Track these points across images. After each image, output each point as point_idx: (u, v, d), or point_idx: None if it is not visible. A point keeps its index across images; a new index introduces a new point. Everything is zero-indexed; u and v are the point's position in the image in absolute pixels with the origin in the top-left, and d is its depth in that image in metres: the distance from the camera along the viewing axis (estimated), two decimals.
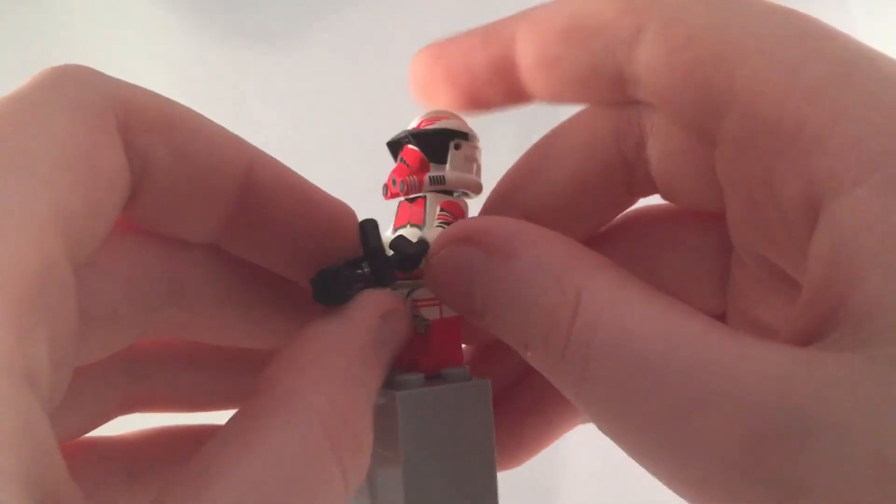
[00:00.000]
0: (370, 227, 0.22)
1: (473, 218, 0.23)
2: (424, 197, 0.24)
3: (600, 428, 0.19)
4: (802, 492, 0.15)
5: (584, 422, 0.28)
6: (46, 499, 0.13)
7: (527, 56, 0.23)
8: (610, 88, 0.22)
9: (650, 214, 0.26)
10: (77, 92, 0.18)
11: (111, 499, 0.24)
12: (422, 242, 0.23)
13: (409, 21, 0.53)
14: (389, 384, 0.22)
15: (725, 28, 0.20)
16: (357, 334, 0.20)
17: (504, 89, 0.24)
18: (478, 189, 0.25)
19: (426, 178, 0.24)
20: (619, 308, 0.19)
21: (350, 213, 0.23)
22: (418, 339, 0.23)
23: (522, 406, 0.27)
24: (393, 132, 0.25)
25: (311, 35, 0.53)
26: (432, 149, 0.24)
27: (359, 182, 0.53)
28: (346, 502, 0.18)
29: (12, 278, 0.14)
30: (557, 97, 0.24)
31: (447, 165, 0.24)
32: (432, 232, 0.23)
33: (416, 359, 0.23)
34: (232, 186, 0.21)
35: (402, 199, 0.25)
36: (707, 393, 0.17)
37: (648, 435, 0.18)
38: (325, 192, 0.22)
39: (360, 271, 0.22)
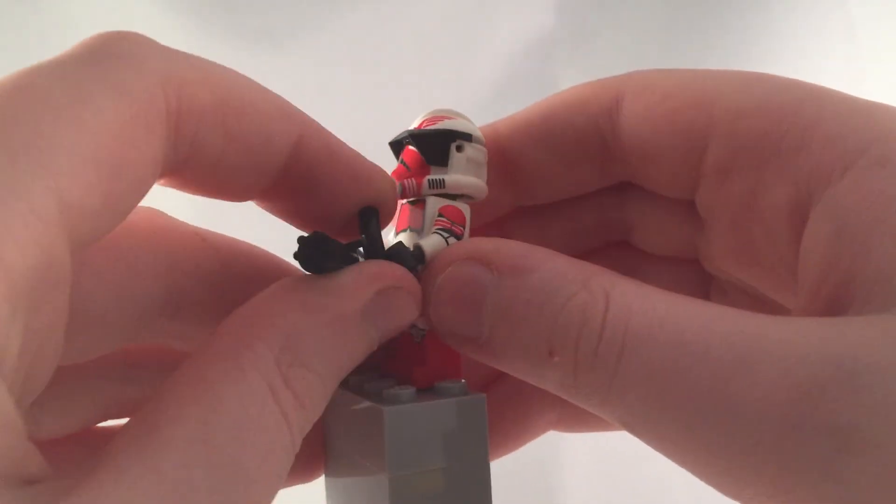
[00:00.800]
0: (370, 214, 0.22)
1: (475, 239, 0.23)
2: (424, 201, 0.23)
3: (631, 427, 0.19)
4: (857, 433, 0.16)
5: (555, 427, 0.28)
6: (7, 465, 0.14)
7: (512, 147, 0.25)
8: (595, 159, 0.25)
9: (629, 256, 0.27)
10: (127, 73, 0.17)
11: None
12: (417, 250, 0.22)
13: (410, 21, 0.53)
14: (379, 397, 0.21)
15: (696, 83, 0.23)
16: (338, 301, 0.20)
17: (508, 185, 0.26)
18: (482, 193, 0.24)
19: (424, 181, 0.23)
20: (650, 300, 0.19)
21: (389, 180, 0.23)
22: (414, 349, 0.23)
23: (498, 406, 0.26)
24: (393, 132, 0.25)
25: (311, 35, 0.53)
26: (433, 150, 0.23)
27: None
28: (292, 458, 0.18)
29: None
30: (545, 175, 0.25)
31: (448, 168, 0.23)
32: (429, 238, 0.22)
33: (410, 370, 0.22)
34: (278, 159, 0.21)
35: (403, 201, 0.24)
36: (749, 355, 0.17)
37: (690, 413, 0.17)
38: (369, 163, 0.22)
39: (351, 253, 0.21)
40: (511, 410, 0.27)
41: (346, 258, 0.20)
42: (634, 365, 0.18)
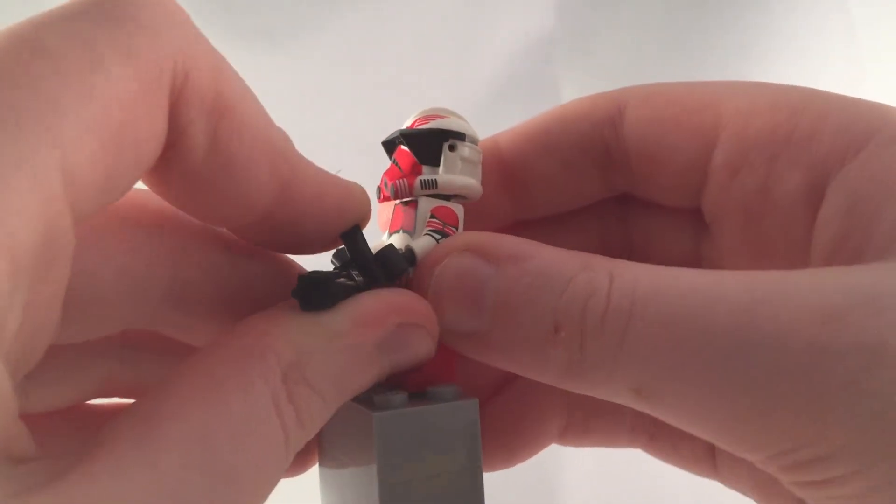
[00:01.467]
0: (353, 235, 0.21)
1: (468, 233, 0.23)
2: (416, 201, 0.23)
3: (643, 393, 0.19)
4: (884, 348, 0.16)
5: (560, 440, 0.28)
6: None
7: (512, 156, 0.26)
8: (597, 169, 0.25)
9: None
10: (141, 41, 0.16)
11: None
12: (408, 252, 0.22)
13: (409, 21, 0.53)
14: (370, 402, 0.21)
15: (700, 88, 0.24)
16: (357, 330, 0.19)
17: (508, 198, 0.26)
18: (476, 193, 0.24)
19: (416, 181, 0.23)
20: (656, 269, 0.19)
21: (365, 198, 0.22)
22: None
23: (502, 417, 0.26)
24: (392, 131, 0.25)
25: (310, 35, 0.53)
26: (425, 150, 0.23)
27: (359, 181, 0.53)
28: (282, 472, 0.18)
29: (3, 241, 0.13)
30: (546, 186, 0.26)
31: (440, 168, 0.23)
32: (420, 240, 0.22)
33: (403, 375, 0.22)
34: (258, 198, 0.19)
35: (396, 202, 0.24)
36: (767, 294, 0.17)
37: (709, 357, 0.17)
38: (344, 186, 0.22)
39: (350, 282, 0.20)
40: (513, 422, 0.27)
41: (348, 289, 0.20)
42: (646, 320, 0.18)
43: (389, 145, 0.24)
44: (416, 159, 0.23)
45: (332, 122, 0.53)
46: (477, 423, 0.21)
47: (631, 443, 0.28)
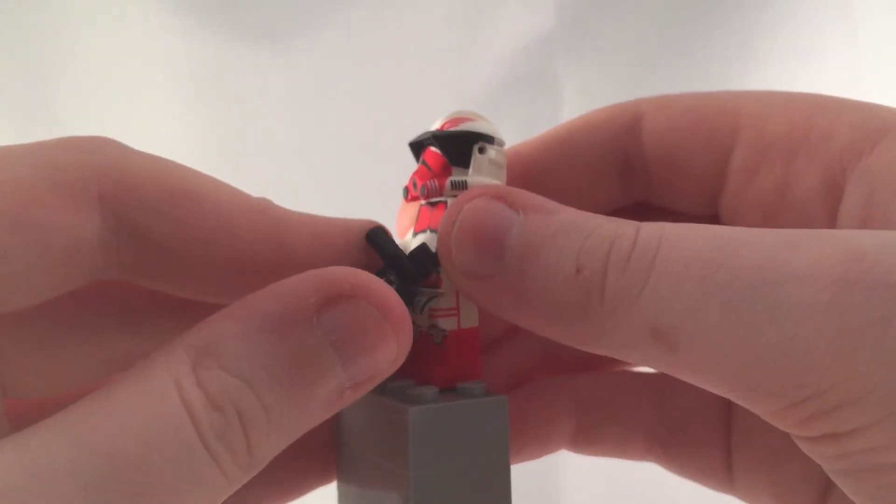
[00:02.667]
0: (379, 235, 0.21)
1: (496, 185, 0.22)
2: (446, 202, 0.23)
3: (663, 334, 0.18)
4: None
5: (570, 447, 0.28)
6: None
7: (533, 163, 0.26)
8: (616, 177, 0.26)
9: None
10: (57, 150, 0.18)
11: None
12: (416, 251, 0.22)
13: (410, 21, 0.53)
14: (401, 397, 0.21)
15: (715, 97, 0.24)
16: (273, 304, 0.17)
17: None
18: None
19: (447, 182, 0.23)
20: (682, 224, 0.19)
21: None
22: (434, 350, 0.23)
23: (511, 415, 0.26)
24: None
25: (311, 35, 0.53)
26: (455, 152, 0.23)
27: (359, 181, 0.53)
28: (199, 454, 0.16)
29: None
30: (565, 195, 0.24)
31: (470, 170, 0.23)
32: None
33: (431, 371, 0.22)
34: (254, 260, 0.20)
35: (423, 202, 0.24)
36: (795, 238, 0.17)
37: (736, 292, 0.17)
38: (335, 226, 0.21)
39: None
40: (525, 421, 0.26)
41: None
42: (671, 259, 0.18)
43: (417, 147, 0.25)
44: (446, 160, 0.24)
45: (332, 122, 0.53)
46: (506, 419, 0.21)
47: (645, 453, 0.27)
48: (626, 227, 0.19)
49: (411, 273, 0.21)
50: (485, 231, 0.20)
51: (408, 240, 0.24)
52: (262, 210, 0.20)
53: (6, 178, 0.17)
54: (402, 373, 0.23)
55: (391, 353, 0.19)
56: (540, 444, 0.27)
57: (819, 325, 0.16)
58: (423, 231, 0.23)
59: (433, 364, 0.22)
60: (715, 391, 0.18)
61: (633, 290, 0.18)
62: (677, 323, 0.17)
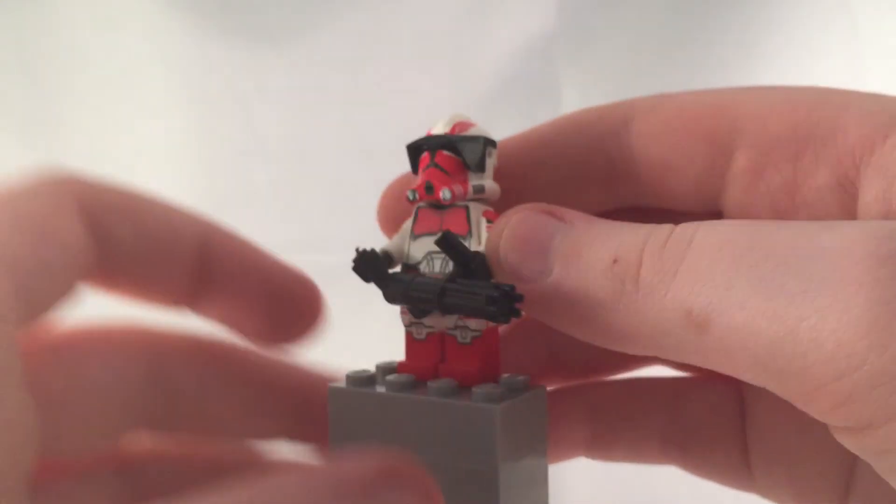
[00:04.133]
0: (451, 240, 0.22)
1: (540, 203, 0.23)
2: (466, 206, 0.24)
3: (697, 314, 0.18)
4: None
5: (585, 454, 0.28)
6: None
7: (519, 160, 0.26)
8: (600, 180, 0.25)
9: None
10: (41, 184, 0.22)
11: None
12: (480, 255, 0.22)
13: (410, 21, 0.53)
14: (462, 397, 0.22)
15: (711, 95, 0.24)
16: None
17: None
18: (497, 198, 0.24)
19: (470, 187, 0.23)
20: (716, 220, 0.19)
21: (308, 283, 0.26)
22: (461, 349, 0.23)
23: None
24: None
25: (311, 35, 0.53)
26: (475, 157, 0.24)
27: (358, 182, 0.53)
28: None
29: None
30: (547, 196, 0.25)
31: (485, 174, 0.24)
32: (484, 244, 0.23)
33: (465, 369, 0.23)
34: (187, 256, 0.24)
35: (421, 205, 0.24)
36: (829, 223, 0.18)
37: (772, 266, 0.17)
38: (282, 263, 0.26)
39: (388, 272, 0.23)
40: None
41: (383, 277, 0.23)
42: (706, 243, 0.18)
43: (416, 149, 0.24)
44: (461, 164, 0.24)
45: (332, 122, 0.53)
46: (546, 408, 0.23)
47: (662, 457, 0.27)
48: (663, 226, 0.20)
49: (482, 275, 0.22)
50: (532, 237, 0.21)
51: (402, 240, 0.24)
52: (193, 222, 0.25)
53: (23, 209, 0.21)
54: (419, 375, 0.23)
55: None
56: (556, 452, 0.26)
57: (853, 295, 0.16)
58: (430, 234, 0.23)
59: (466, 363, 0.23)
60: (745, 375, 0.18)
61: (668, 273, 0.18)
62: (711, 300, 0.18)
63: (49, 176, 0.22)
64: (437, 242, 0.22)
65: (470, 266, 0.22)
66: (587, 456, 0.28)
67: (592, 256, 0.20)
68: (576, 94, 0.54)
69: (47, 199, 0.21)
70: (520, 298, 0.21)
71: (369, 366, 0.24)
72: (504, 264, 0.21)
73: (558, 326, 0.21)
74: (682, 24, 0.54)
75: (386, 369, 0.24)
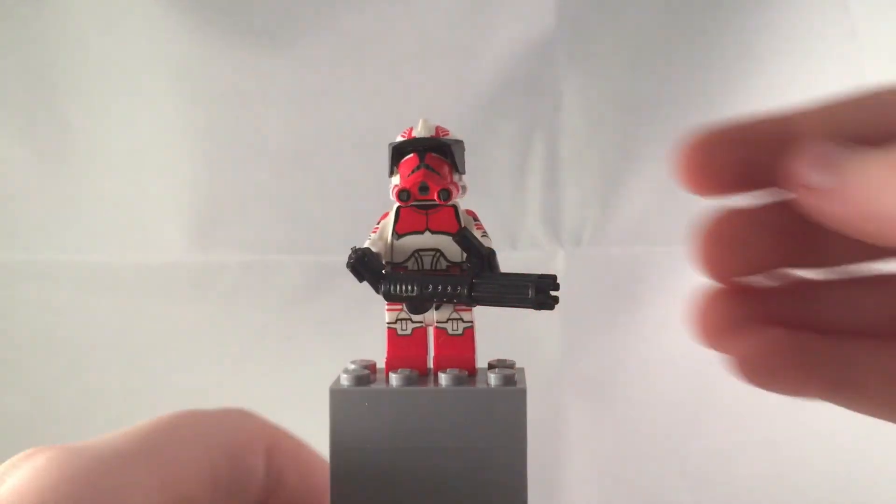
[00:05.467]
0: (473, 236, 0.24)
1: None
2: (454, 206, 0.25)
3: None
4: None
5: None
6: None
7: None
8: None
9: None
10: (239, 415, 0.26)
11: None
12: (492, 251, 0.24)
13: (410, 22, 0.53)
14: (476, 382, 0.23)
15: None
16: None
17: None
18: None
19: (459, 187, 0.25)
20: None
21: None
22: (454, 340, 0.25)
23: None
24: (394, 132, 0.25)
25: (311, 35, 0.53)
26: (461, 159, 0.25)
27: (358, 182, 0.53)
28: None
29: None
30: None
31: (464, 175, 0.25)
32: (485, 240, 0.24)
33: (464, 358, 0.25)
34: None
35: (399, 204, 0.24)
36: None
37: None
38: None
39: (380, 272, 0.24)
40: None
41: (378, 276, 0.24)
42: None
43: (399, 150, 0.25)
44: (449, 166, 0.25)
45: (333, 122, 0.54)
46: (525, 387, 0.25)
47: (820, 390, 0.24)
48: None
49: (496, 269, 0.24)
50: (821, 153, 0.20)
51: (383, 239, 0.25)
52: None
53: (225, 439, 0.24)
54: (415, 367, 0.24)
55: None
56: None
57: None
58: (416, 233, 0.24)
59: (464, 352, 0.25)
60: None
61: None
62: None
63: (240, 411, 0.25)
64: (457, 240, 0.24)
65: (486, 261, 0.23)
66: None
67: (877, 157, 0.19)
68: (576, 95, 0.54)
69: (242, 433, 0.25)
70: (557, 287, 0.22)
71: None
72: (801, 178, 0.20)
73: (851, 230, 0.20)
74: (681, 25, 0.54)
75: (362, 369, 0.24)
